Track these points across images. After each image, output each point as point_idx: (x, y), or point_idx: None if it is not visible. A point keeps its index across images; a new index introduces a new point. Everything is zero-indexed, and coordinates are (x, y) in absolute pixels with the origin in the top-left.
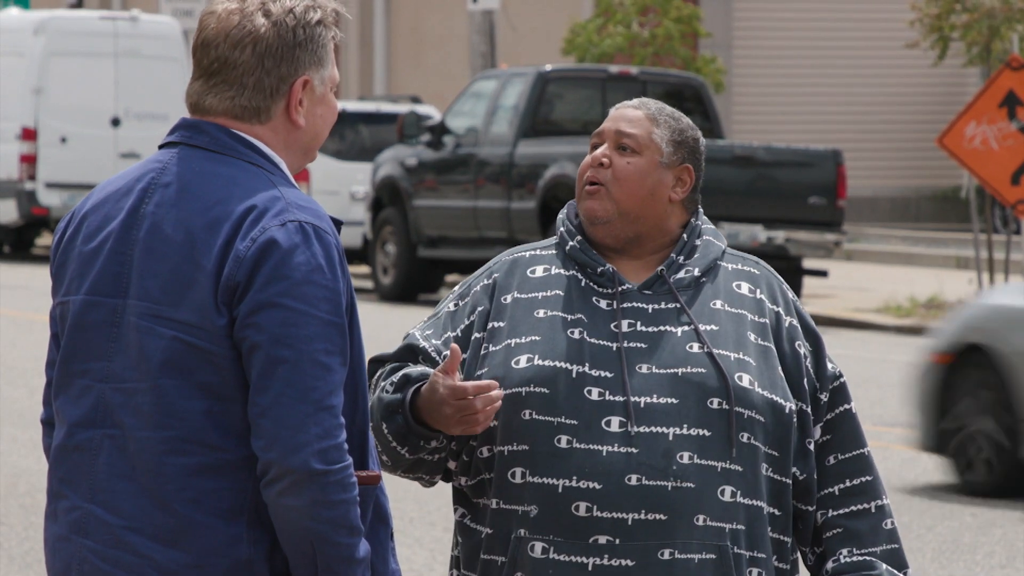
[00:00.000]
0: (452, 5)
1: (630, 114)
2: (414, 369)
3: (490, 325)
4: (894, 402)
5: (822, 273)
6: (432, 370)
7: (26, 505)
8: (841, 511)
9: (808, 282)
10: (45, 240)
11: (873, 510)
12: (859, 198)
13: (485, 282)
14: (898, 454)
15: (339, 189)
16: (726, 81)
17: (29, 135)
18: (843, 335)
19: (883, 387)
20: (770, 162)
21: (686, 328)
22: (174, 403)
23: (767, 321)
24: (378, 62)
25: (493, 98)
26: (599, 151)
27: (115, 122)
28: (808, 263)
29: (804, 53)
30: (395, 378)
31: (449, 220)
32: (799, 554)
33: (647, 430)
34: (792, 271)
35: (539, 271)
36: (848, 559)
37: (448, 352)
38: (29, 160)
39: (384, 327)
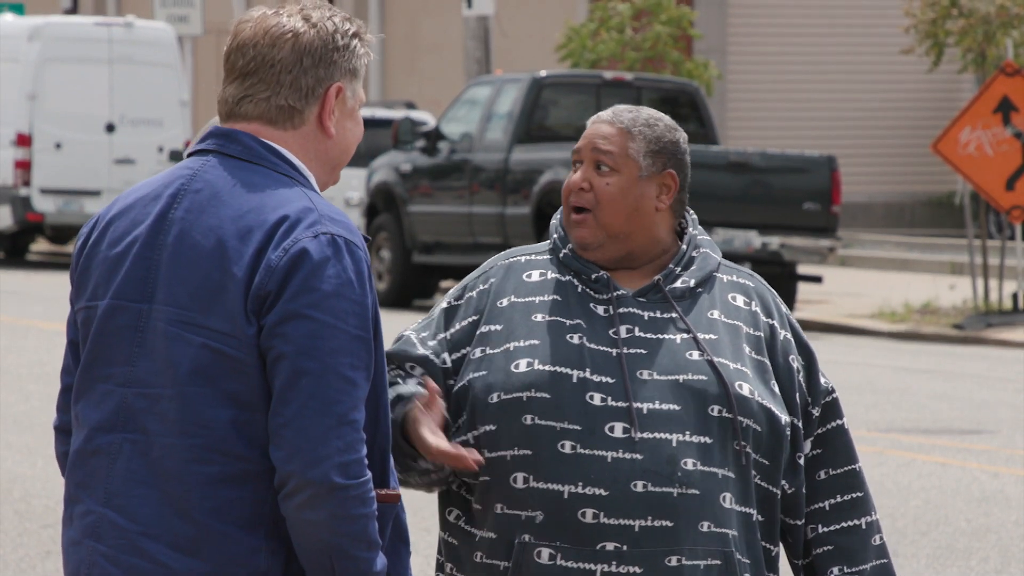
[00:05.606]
0: (447, 11)
1: (604, 130)
2: (405, 388)
3: (485, 328)
4: (888, 407)
5: (816, 279)
6: (420, 386)
7: (20, 511)
8: (832, 527)
9: (802, 288)
10: (40, 246)
11: (864, 526)
12: (854, 204)
13: (481, 287)
14: (892, 459)
15: (334, 195)
16: (721, 87)
17: (24, 141)
18: (837, 341)
19: (877, 393)
20: (765, 168)
21: (685, 336)
22: (201, 411)
23: (762, 334)
24: (373, 68)
25: (488, 104)
26: (578, 176)
27: (110, 128)
28: (802, 269)
29: (799, 59)
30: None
31: (444, 226)
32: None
33: (651, 436)
34: (786, 277)
35: (535, 275)
36: None
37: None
38: (24, 166)
39: None
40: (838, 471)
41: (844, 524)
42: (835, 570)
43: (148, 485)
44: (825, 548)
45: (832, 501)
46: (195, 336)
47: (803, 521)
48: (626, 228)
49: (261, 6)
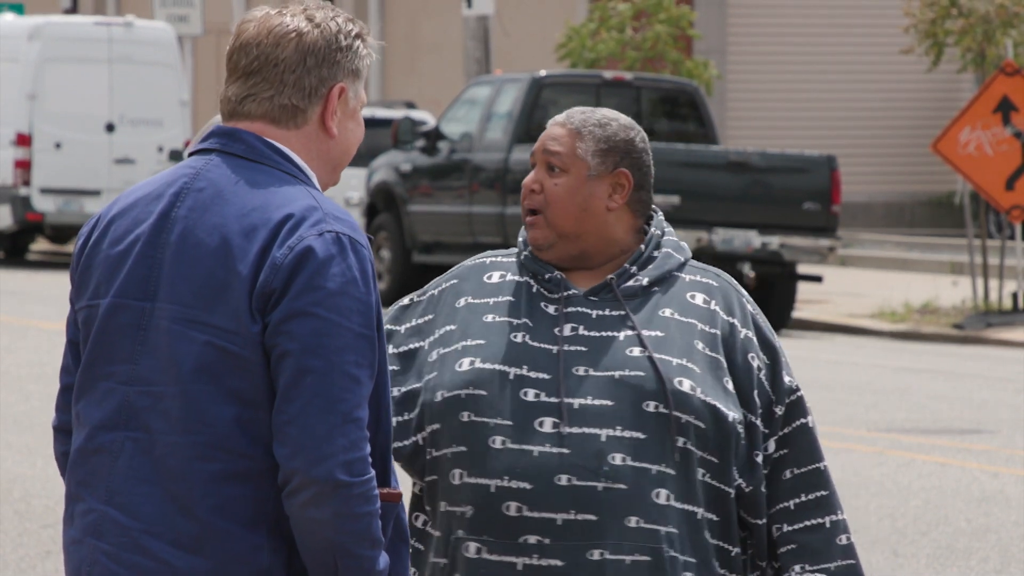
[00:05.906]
0: (447, 11)
1: (556, 132)
2: None
3: (441, 330)
4: (888, 407)
5: (816, 279)
6: None
7: (20, 511)
8: (796, 526)
9: (802, 288)
10: (40, 246)
11: (828, 525)
12: (853, 203)
13: (444, 286)
14: (892, 459)
15: (334, 194)
16: (721, 87)
17: (23, 140)
18: (837, 341)
19: (877, 393)
20: (764, 168)
21: (629, 333)
22: (205, 409)
23: (718, 332)
24: (373, 68)
25: (487, 104)
26: (529, 178)
27: (109, 128)
28: (802, 269)
29: (799, 59)
30: None
31: (444, 226)
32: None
33: (579, 431)
34: (786, 277)
35: (495, 277)
36: (801, 575)
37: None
38: (23, 166)
39: None
40: (802, 470)
41: (808, 523)
42: (797, 567)
43: (150, 483)
44: (789, 547)
45: (797, 500)
46: (199, 334)
47: (764, 521)
48: (576, 228)
49: (264, 6)
